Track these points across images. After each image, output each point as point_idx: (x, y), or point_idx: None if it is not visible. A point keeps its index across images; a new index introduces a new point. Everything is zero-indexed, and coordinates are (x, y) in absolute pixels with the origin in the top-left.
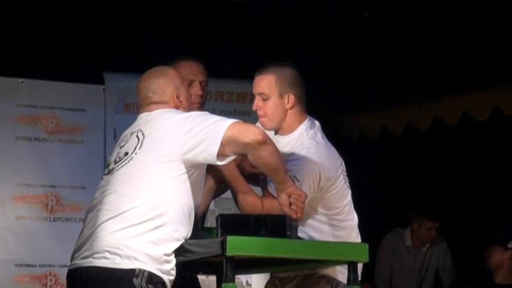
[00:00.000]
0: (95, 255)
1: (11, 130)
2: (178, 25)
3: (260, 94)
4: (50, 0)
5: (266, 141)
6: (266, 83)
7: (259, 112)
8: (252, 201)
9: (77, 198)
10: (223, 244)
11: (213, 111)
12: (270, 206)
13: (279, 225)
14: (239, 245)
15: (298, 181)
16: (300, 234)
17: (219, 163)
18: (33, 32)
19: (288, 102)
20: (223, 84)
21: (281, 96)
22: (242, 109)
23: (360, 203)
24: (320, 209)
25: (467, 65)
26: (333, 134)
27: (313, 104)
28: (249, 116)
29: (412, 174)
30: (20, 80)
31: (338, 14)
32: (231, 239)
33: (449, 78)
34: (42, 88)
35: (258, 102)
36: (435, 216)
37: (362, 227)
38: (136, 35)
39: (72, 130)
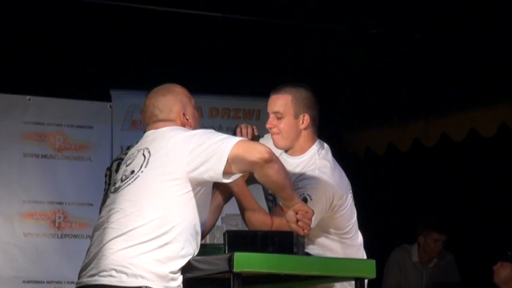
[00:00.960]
0: (101, 273)
1: (18, 147)
2: (185, 43)
3: (275, 113)
4: (57, 19)
5: (272, 159)
6: (282, 102)
7: (273, 130)
8: (262, 218)
9: (84, 215)
10: (230, 260)
11: (219, 128)
12: (279, 224)
13: (286, 242)
14: (246, 262)
15: (311, 200)
16: (310, 251)
17: (225, 181)
18: (40, 50)
19: (303, 122)
20: (230, 101)
21: (296, 117)
22: None
23: (367, 219)
24: (331, 229)
25: (474, 81)
26: (340, 150)
27: (320, 121)
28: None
29: (419, 190)
30: (28, 97)
31: (345, 30)
32: (238, 256)
33: (456, 95)
34: (50, 105)
35: (272, 120)
36: (441, 227)
37: (369, 243)
38: (143, 52)
39: (79, 147)
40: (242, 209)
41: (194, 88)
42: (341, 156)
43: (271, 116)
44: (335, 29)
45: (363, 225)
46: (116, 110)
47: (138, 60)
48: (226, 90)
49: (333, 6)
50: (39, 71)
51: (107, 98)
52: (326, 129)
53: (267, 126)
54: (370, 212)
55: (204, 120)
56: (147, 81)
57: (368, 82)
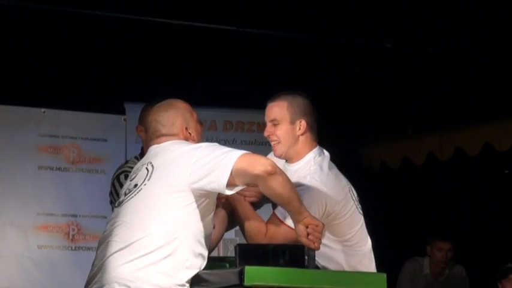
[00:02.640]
0: (105, 287)
1: (33, 160)
2: (199, 56)
3: (272, 120)
4: (71, 32)
5: (276, 172)
6: (278, 109)
7: (271, 137)
8: (257, 226)
9: (98, 228)
10: (241, 274)
11: (234, 141)
12: (273, 232)
13: (297, 255)
14: (257, 275)
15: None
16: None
17: (228, 193)
18: (55, 63)
19: (300, 128)
20: (244, 114)
21: (292, 122)
22: (263, 139)
23: (380, 232)
24: (332, 236)
25: (489, 95)
26: (354, 163)
27: (335, 135)
28: (269, 145)
29: (433, 203)
30: (43, 110)
31: (360, 45)
32: (248, 269)
33: (471, 109)
34: (64, 118)
35: (269, 128)
36: (444, 236)
37: (381, 255)
38: (157, 65)
39: (93, 160)
40: (238, 216)
41: (208, 101)
42: (356, 169)
43: (268, 124)
44: (350, 43)
45: (376, 238)
46: (130, 123)
47: (153, 73)
48: (241, 104)
49: (347, 21)
50: (53, 84)
51: (121, 111)
52: (341, 143)
53: (265, 134)
54: (384, 224)
55: (218, 133)
56: (161, 95)
57: (382, 96)
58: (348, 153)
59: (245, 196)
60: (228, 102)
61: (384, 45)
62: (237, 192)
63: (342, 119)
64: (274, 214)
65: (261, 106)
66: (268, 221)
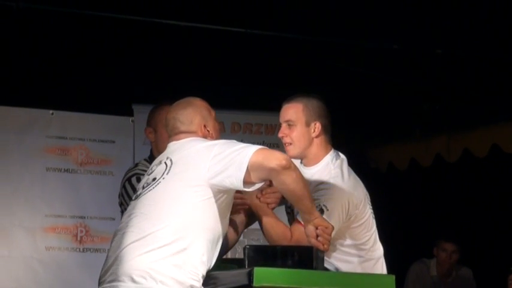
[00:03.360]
0: (120, 278)
1: (41, 161)
2: (207, 57)
3: (287, 121)
4: (79, 33)
5: (290, 167)
6: (294, 111)
7: (285, 139)
8: (281, 231)
9: (106, 229)
10: (250, 275)
11: None
12: (298, 237)
13: (306, 257)
14: (266, 276)
15: (327, 210)
16: (327, 266)
17: (246, 189)
18: (63, 65)
19: (314, 130)
20: (252, 116)
21: (307, 124)
22: (271, 141)
23: (388, 234)
24: (348, 240)
25: (497, 96)
26: (362, 165)
27: (342, 136)
28: (277, 147)
29: (441, 205)
30: (51, 111)
31: (367, 46)
32: (257, 270)
33: (479, 110)
34: (72, 120)
35: (284, 129)
36: (450, 237)
37: (390, 258)
38: (165, 67)
39: (101, 161)
40: (261, 222)
41: (216, 103)
42: (363, 171)
43: (283, 125)
44: (358, 44)
45: (383, 240)
46: (138, 124)
47: (161, 74)
48: (249, 105)
49: (355, 22)
50: (62, 85)
51: (129, 113)
52: (349, 144)
53: (279, 135)
54: (392, 226)
55: (226, 135)
56: (169, 96)
57: (390, 98)
58: (355, 154)
59: (268, 203)
60: (236, 104)
61: (391, 47)
62: (260, 200)
63: (350, 121)
64: (296, 220)
65: (269, 108)
66: (292, 227)
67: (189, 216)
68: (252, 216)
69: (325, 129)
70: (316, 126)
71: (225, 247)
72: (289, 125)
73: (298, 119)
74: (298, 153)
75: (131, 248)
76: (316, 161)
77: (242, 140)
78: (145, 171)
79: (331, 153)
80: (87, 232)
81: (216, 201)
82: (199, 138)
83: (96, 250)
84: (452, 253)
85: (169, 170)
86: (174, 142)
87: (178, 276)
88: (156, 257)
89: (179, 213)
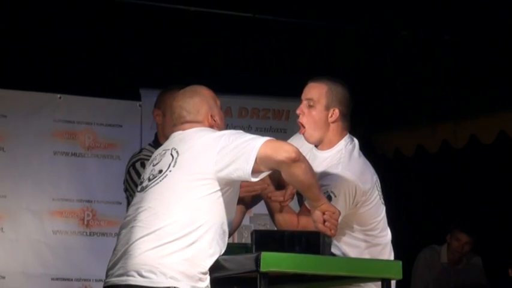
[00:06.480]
0: (130, 273)
1: (49, 145)
2: (215, 43)
3: (308, 100)
4: (87, 18)
5: (299, 159)
6: (317, 91)
7: (301, 118)
8: (289, 217)
9: (113, 213)
10: (257, 260)
11: (249, 128)
12: (305, 223)
13: (313, 242)
14: (273, 261)
15: (335, 196)
16: (334, 250)
17: (254, 180)
18: (71, 49)
19: (332, 116)
20: (260, 101)
21: (327, 108)
22: (278, 126)
23: (395, 220)
24: (355, 225)
25: (504, 83)
26: (369, 151)
27: (350, 122)
28: (284, 133)
29: (447, 191)
30: (58, 95)
31: (375, 32)
32: (265, 255)
33: (486, 97)
34: (80, 104)
35: (303, 107)
36: (467, 229)
37: (397, 244)
38: (173, 51)
39: (108, 146)
40: (270, 209)
41: (224, 88)
42: (370, 157)
43: (304, 102)
44: (365, 30)
45: (391, 226)
46: (146, 108)
47: (168, 59)
48: (256, 90)
49: (363, 8)
50: (69, 69)
51: (137, 97)
52: (356, 130)
53: (297, 111)
54: (399, 212)
55: (234, 120)
56: (176, 80)
57: (397, 84)
58: (362, 140)
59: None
60: (244, 89)
61: (399, 33)
62: (271, 199)
63: (357, 107)
64: (304, 205)
65: (276, 93)
66: (300, 213)
67: (196, 211)
68: (256, 197)
69: (343, 116)
70: (335, 113)
71: (230, 231)
72: (309, 104)
73: (319, 100)
74: (315, 137)
75: (140, 243)
76: (330, 145)
77: (250, 125)
78: (150, 156)
79: (346, 139)
80: (94, 216)
81: (223, 194)
82: (205, 128)
83: (103, 234)
84: (465, 244)
85: (175, 162)
86: (179, 132)
87: (187, 270)
88: (165, 252)
89: (187, 208)
